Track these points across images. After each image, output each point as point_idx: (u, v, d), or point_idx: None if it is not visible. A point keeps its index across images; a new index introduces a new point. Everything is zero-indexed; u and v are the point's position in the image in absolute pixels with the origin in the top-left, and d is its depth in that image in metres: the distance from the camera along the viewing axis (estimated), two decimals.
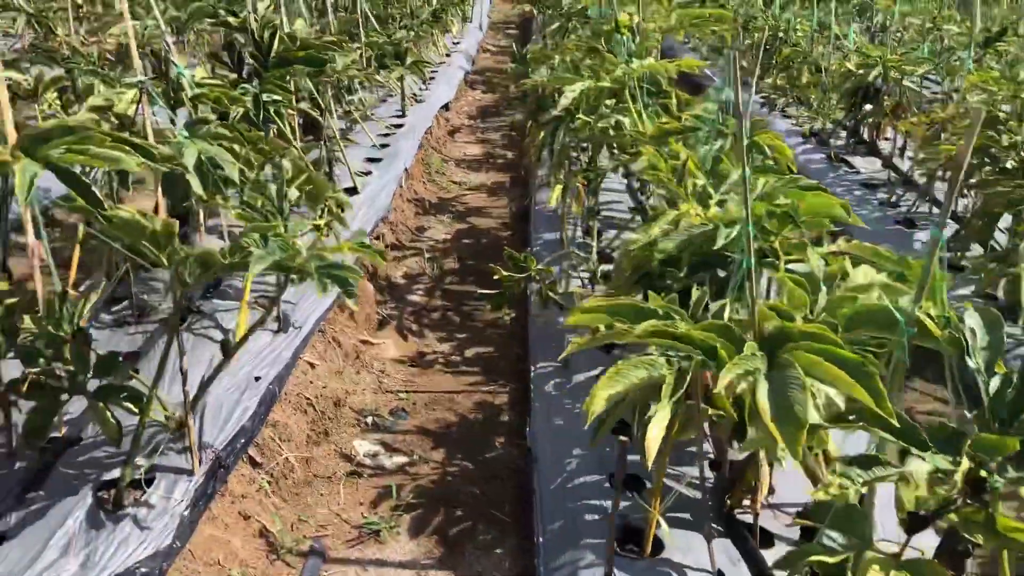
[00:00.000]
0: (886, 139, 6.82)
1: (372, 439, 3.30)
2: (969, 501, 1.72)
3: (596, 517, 2.70)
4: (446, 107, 8.25)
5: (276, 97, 4.28)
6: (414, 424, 3.42)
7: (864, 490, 1.58)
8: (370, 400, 3.53)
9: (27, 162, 2.20)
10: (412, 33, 7.64)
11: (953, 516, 1.71)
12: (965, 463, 1.49)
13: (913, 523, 1.78)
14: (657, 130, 3.93)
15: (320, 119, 4.92)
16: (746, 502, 2.74)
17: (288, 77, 4.66)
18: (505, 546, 2.80)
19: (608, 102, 4.47)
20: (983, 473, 1.67)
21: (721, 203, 2.99)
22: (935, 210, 5.53)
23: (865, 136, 6.86)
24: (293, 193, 2.76)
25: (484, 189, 6.35)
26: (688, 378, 1.77)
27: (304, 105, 4.77)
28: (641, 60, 4.25)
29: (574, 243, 4.87)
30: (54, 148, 2.26)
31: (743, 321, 2.20)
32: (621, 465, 2.00)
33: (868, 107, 6.52)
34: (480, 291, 4.48)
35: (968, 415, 1.79)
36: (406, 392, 3.63)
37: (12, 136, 2.36)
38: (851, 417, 1.71)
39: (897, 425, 1.53)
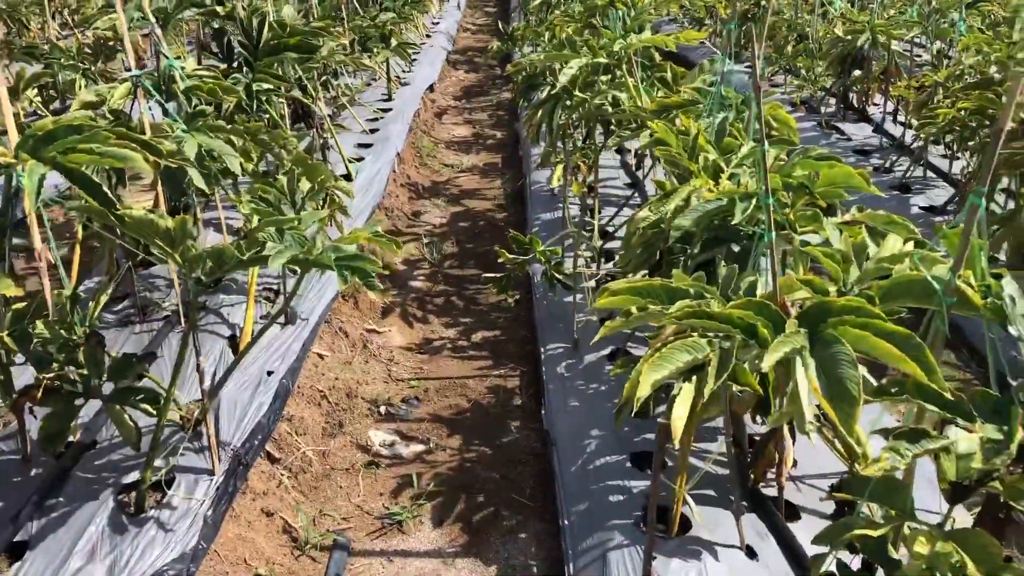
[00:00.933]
0: (875, 104, 6.82)
1: (387, 428, 3.27)
2: (1012, 469, 1.72)
3: (620, 498, 2.69)
4: (431, 88, 8.18)
5: (267, 86, 4.22)
6: (427, 411, 3.39)
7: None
8: (381, 389, 3.50)
9: (34, 163, 2.15)
10: (395, 15, 7.54)
11: (997, 484, 1.71)
12: (1019, 432, 1.48)
13: (956, 493, 1.78)
14: (657, 105, 3.90)
15: (312, 106, 4.84)
16: (769, 476, 2.74)
17: (276, 65, 4.60)
18: (529, 530, 2.79)
19: (603, 78, 4.44)
20: None
21: (732, 177, 2.97)
22: (929, 175, 5.54)
23: (855, 102, 6.85)
24: (305, 184, 2.71)
25: (476, 170, 6.29)
26: (732, 358, 1.74)
27: (296, 92, 4.69)
28: (637, 34, 4.20)
29: (573, 222, 4.84)
30: (60, 148, 2.20)
31: (764, 295, 2.19)
32: (660, 449, 1.98)
33: (856, 73, 6.50)
34: (483, 274, 4.44)
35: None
36: (416, 380, 3.60)
37: (14, 136, 2.29)
38: (893, 390, 1.70)
39: (950, 398, 1.52)
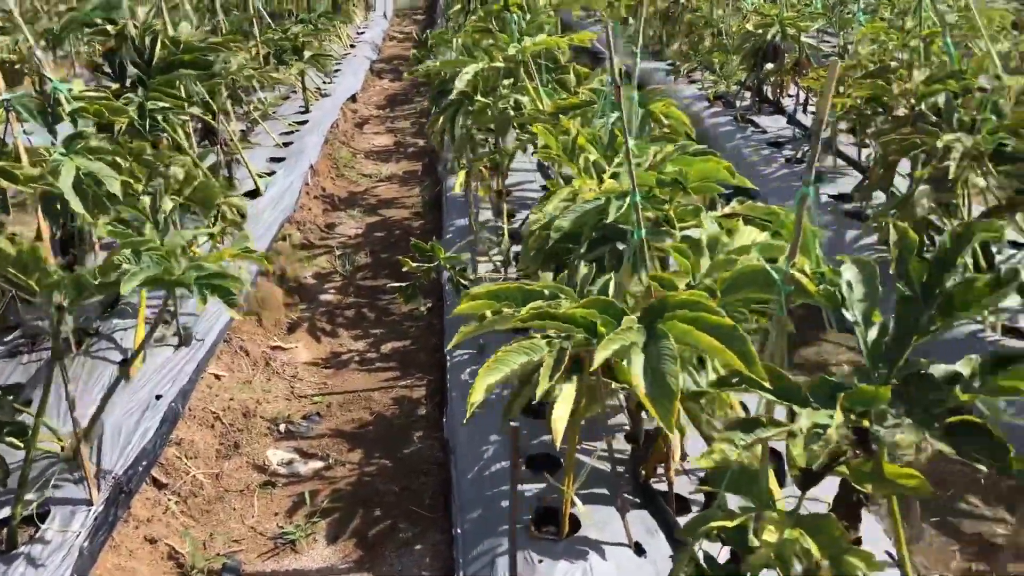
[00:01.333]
0: (790, 96, 6.91)
1: (286, 447, 3.22)
2: (857, 453, 1.73)
3: None
4: (353, 99, 8.12)
5: (164, 104, 4.14)
6: (329, 427, 3.35)
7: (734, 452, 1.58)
8: (283, 407, 3.44)
9: None
10: (310, 27, 7.48)
11: (844, 468, 1.73)
12: (838, 416, 1.49)
13: (806, 479, 1.79)
14: (555, 107, 3.92)
15: (212, 123, 4.77)
16: (661, 471, 2.75)
17: (178, 83, 4.52)
18: (426, 542, 2.76)
19: (506, 82, 4.44)
20: (865, 423, 1.69)
21: (616, 176, 2.98)
22: (840, 163, 5.63)
23: (769, 95, 6.94)
24: (168, 203, 2.66)
25: (396, 179, 6.26)
26: (567, 357, 1.74)
27: (195, 110, 4.61)
28: (532, 37, 4.21)
29: (487, 227, 4.83)
30: None
31: (640, 293, 2.19)
32: (514, 449, 1.97)
33: (769, 66, 6.58)
34: (392, 284, 4.41)
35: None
36: (320, 395, 3.56)
37: None
38: (735, 380, 1.70)
39: (769, 386, 1.52)
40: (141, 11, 4.74)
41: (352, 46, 10.01)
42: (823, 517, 1.75)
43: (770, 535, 1.70)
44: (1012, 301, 4.18)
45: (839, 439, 1.50)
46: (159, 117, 4.09)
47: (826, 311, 1.76)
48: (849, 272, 1.79)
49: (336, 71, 8.56)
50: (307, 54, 6.74)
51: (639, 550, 2.47)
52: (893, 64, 4.74)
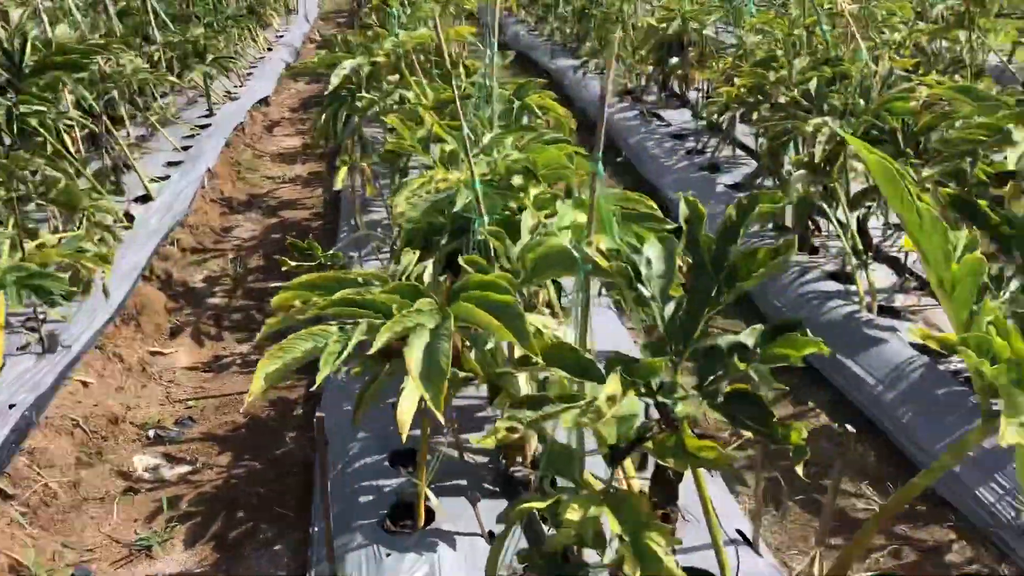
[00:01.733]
0: (697, 90, 6.97)
1: (154, 452, 3.15)
2: (663, 428, 1.74)
3: (370, 498, 2.64)
4: (265, 102, 8.03)
5: (39, 108, 4.03)
6: (201, 431, 3.28)
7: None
8: (155, 412, 3.37)
9: None
10: (215, 29, 7.38)
11: (649, 444, 1.73)
12: (608, 388, 1.49)
13: (614, 456, 1.79)
14: (436, 100, 3.91)
15: (95, 127, 4.67)
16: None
17: (60, 86, 4.41)
18: (287, 541, 2.72)
19: (391, 77, 4.43)
20: (661, 397, 1.69)
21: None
22: (739, 153, 5.70)
23: (676, 89, 7.01)
24: None
25: (300, 181, 6.18)
26: (352, 342, 1.72)
27: (75, 114, 4.51)
28: (411, 32, 4.20)
29: (382, 224, 4.80)
30: None
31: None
32: (322, 444, 1.94)
33: (674, 60, 6.63)
34: (275, 285, 4.35)
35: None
36: (195, 399, 3.49)
37: None
38: (535, 360, 1.69)
39: (541, 362, 1.52)
40: (15, 14, 4.62)
41: (269, 49, 9.90)
42: (632, 494, 1.75)
43: (573, 513, 1.70)
44: (887, 280, 4.23)
45: (605, 411, 1.49)
46: (34, 122, 3.98)
47: (620, 288, 1.75)
48: (651, 249, 1.79)
49: (249, 75, 8.45)
50: (209, 57, 6.64)
51: (492, 538, 2.46)
52: (779, 53, 4.81)
